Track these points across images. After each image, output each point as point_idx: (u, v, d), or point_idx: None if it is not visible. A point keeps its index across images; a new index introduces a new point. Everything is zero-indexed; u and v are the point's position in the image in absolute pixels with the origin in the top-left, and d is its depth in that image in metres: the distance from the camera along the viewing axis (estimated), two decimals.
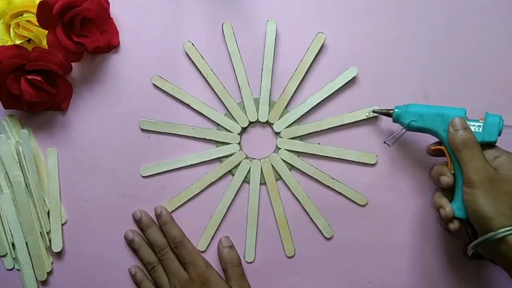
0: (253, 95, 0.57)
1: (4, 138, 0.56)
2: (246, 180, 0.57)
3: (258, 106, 0.57)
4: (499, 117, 0.49)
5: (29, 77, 0.52)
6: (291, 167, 0.57)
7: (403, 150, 0.56)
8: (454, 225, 0.50)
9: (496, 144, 0.50)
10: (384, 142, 0.55)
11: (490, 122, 0.49)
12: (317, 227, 0.57)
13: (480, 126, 0.49)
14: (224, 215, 0.57)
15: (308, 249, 0.57)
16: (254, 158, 0.57)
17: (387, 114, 0.53)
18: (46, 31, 0.52)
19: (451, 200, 0.51)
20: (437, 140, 0.52)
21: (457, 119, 0.49)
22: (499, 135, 0.49)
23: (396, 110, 0.52)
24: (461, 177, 0.49)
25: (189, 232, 0.57)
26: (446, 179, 0.50)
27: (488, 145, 0.49)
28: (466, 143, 0.48)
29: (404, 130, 0.52)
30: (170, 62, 0.57)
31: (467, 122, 0.49)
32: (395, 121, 0.52)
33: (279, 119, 0.57)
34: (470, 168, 0.48)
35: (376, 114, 0.55)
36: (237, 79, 0.56)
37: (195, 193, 0.57)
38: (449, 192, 0.51)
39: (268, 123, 0.57)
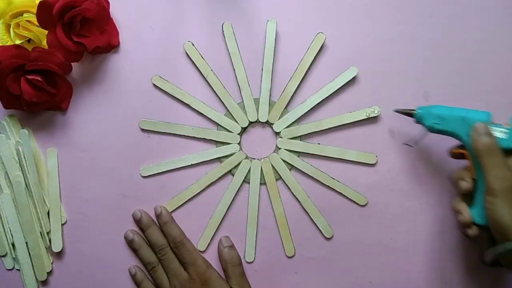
0: (253, 95, 0.57)
1: (4, 138, 0.56)
2: (246, 180, 0.57)
3: (258, 106, 0.57)
4: None
5: (29, 77, 0.52)
6: (291, 167, 0.57)
7: (403, 150, 0.56)
8: (472, 231, 0.49)
9: None
10: (405, 144, 0.54)
11: None
12: (317, 227, 0.57)
13: (505, 132, 0.48)
14: (224, 215, 0.57)
15: (308, 249, 0.57)
16: (254, 158, 0.57)
17: (409, 114, 0.52)
18: (46, 31, 0.52)
19: (470, 204, 0.49)
20: (459, 142, 0.50)
21: (480, 124, 0.48)
22: None
23: (419, 111, 0.51)
24: (482, 183, 0.48)
25: (189, 232, 0.57)
26: (465, 185, 0.49)
27: None
28: (489, 150, 0.47)
29: (426, 132, 0.50)
30: (170, 62, 0.57)
31: (493, 127, 0.48)
32: (417, 122, 0.51)
33: (279, 119, 0.57)
34: (492, 176, 0.46)
35: (374, 114, 0.55)
36: (237, 79, 0.56)
37: (195, 193, 0.57)
38: (468, 196, 0.50)
39: (268, 123, 0.57)
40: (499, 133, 0.48)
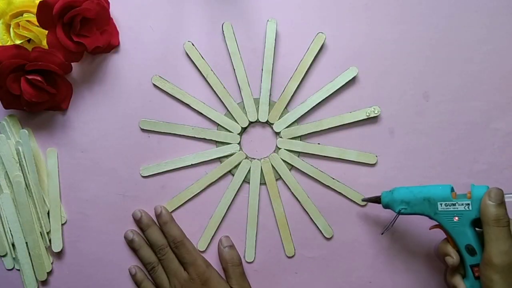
0: (253, 95, 0.57)
1: (4, 138, 0.56)
2: (246, 180, 0.57)
3: (258, 106, 0.57)
4: (486, 188, 0.47)
5: (29, 77, 0.52)
6: (291, 167, 0.57)
7: (404, 150, 0.56)
8: None
9: None
10: (383, 232, 0.55)
11: (477, 197, 0.47)
12: (317, 227, 0.57)
13: (468, 204, 0.47)
14: (224, 215, 0.57)
15: (308, 249, 0.57)
16: (254, 158, 0.57)
17: (377, 201, 0.52)
18: (46, 31, 0.52)
19: (459, 271, 0.49)
20: None
21: (495, 190, 0.46)
22: None
23: (383, 197, 0.51)
24: (466, 253, 0.48)
25: (189, 232, 0.57)
26: (451, 260, 0.48)
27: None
28: (498, 221, 0.45)
29: (397, 216, 0.51)
30: (170, 62, 0.57)
31: (456, 201, 0.47)
32: (385, 208, 0.51)
33: (279, 119, 0.57)
34: (494, 248, 0.45)
35: (374, 114, 0.55)
36: (237, 79, 0.56)
37: (195, 193, 0.57)
38: (459, 267, 0.49)
39: (268, 123, 0.57)
40: (463, 206, 0.47)
